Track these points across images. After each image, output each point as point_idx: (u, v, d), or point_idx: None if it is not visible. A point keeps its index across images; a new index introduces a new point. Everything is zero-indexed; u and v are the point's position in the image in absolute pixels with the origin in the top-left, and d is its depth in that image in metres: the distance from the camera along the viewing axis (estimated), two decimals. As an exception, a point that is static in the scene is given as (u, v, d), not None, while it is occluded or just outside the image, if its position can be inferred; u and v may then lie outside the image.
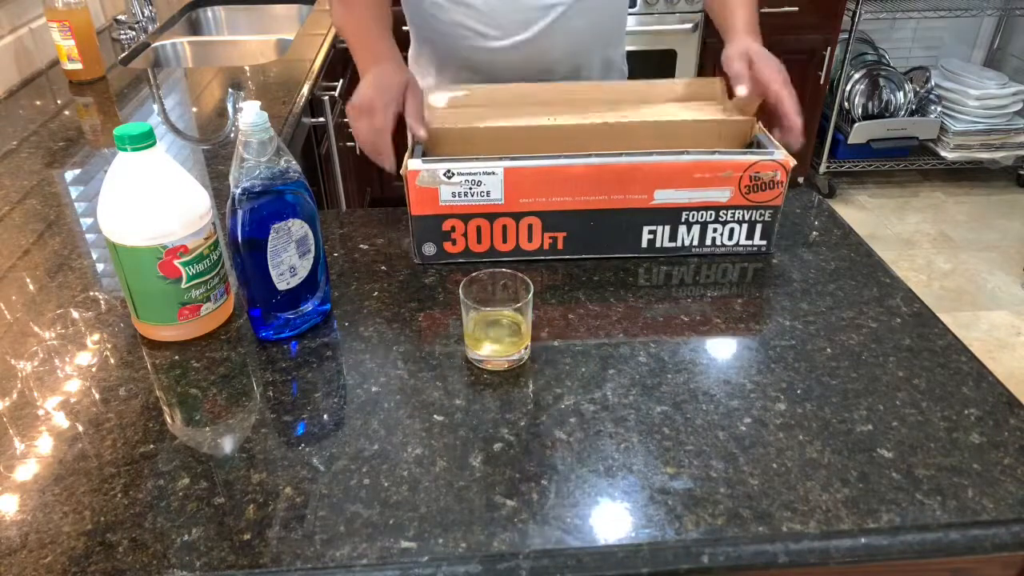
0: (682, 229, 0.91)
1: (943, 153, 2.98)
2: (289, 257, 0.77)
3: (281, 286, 0.77)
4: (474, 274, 0.77)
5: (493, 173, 0.85)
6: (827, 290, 0.88)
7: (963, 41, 3.26)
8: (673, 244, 0.92)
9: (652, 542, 0.58)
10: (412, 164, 0.85)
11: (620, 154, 0.86)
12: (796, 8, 2.57)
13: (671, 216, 0.90)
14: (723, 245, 0.93)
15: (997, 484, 0.63)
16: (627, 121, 0.96)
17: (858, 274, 0.91)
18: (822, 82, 2.74)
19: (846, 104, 2.99)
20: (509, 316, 0.77)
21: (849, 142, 2.97)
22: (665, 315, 0.84)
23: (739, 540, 0.58)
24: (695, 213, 0.90)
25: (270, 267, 0.76)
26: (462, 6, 1.10)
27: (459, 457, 0.66)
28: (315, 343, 0.80)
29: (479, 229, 0.89)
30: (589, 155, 0.86)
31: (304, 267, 0.78)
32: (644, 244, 0.92)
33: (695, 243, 0.92)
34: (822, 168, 3.03)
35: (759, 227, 0.92)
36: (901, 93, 2.98)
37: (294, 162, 0.75)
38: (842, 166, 3.06)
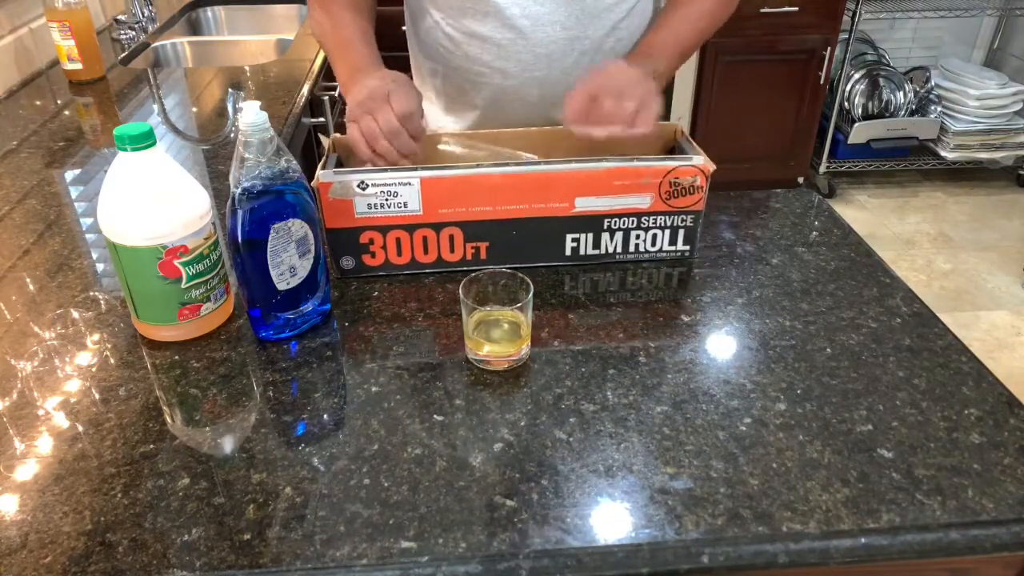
0: (605, 236, 0.90)
1: (943, 153, 2.98)
2: (289, 257, 0.77)
3: (281, 286, 0.77)
4: (474, 274, 0.77)
5: (409, 184, 0.84)
6: (827, 290, 0.88)
7: (963, 41, 3.26)
8: (597, 251, 0.92)
9: (652, 542, 0.58)
10: (323, 176, 0.83)
11: (538, 163, 0.86)
12: (796, 8, 2.57)
13: (593, 223, 0.89)
14: (646, 251, 0.92)
15: (997, 484, 0.63)
16: (549, 129, 0.97)
17: (858, 274, 0.91)
18: (822, 82, 2.74)
19: (846, 104, 2.99)
20: (509, 316, 0.77)
21: (849, 142, 2.97)
22: (665, 315, 0.84)
23: (739, 540, 0.58)
24: (617, 220, 0.89)
25: (270, 267, 0.76)
26: (477, 39, 1.03)
27: (459, 457, 0.66)
28: (315, 343, 0.80)
29: (398, 241, 0.88)
30: (507, 164, 0.85)
31: (304, 267, 0.78)
32: (568, 252, 0.91)
33: (618, 250, 0.92)
34: (822, 168, 3.03)
35: (681, 232, 0.91)
36: (901, 93, 2.98)
37: (294, 162, 0.75)
38: (842, 166, 3.06)
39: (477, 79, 1.06)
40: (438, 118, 1.15)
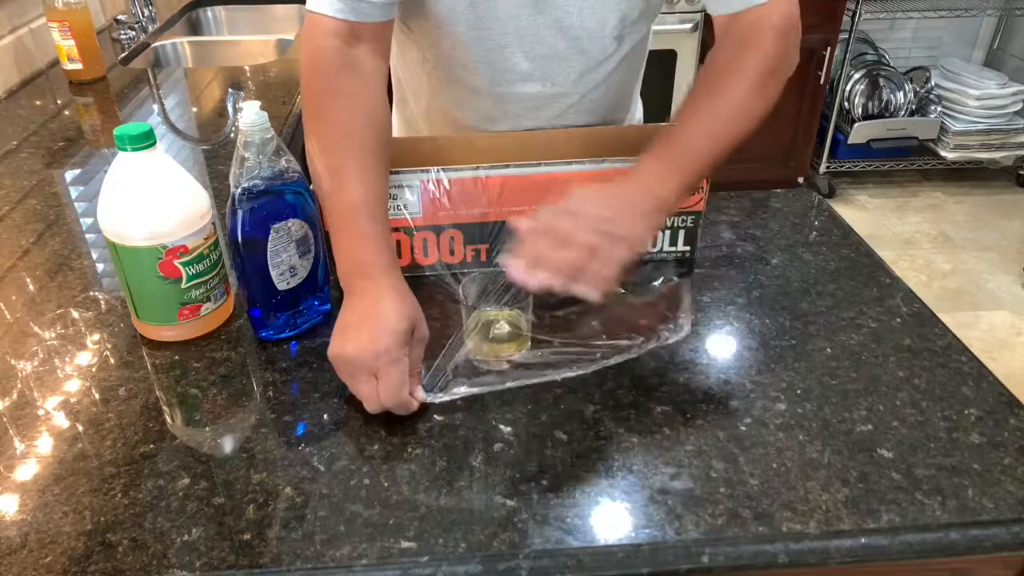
0: None
1: (943, 153, 2.98)
2: (289, 257, 0.76)
3: (281, 286, 0.77)
4: (473, 273, 0.77)
5: (410, 186, 0.84)
6: (827, 290, 0.88)
7: (963, 41, 3.26)
8: None
9: (652, 542, 0.58)
10: None
11: (539, 164, 0.85)
12: (796, 8, 2.57)
13: None
14: (647, 252, 0.92)
15: (997, 484, 0.63)
16: (547, 129, 0.95)
17: (858, 274, 0.91)
18: (822, 82, 2.74)
19: (846, 104, 2.99)
20: (509, 316, 0.77)
21: (849, 142, 2.97)
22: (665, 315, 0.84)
23: (739, 540, 0.58)
24: None
25: (270, 267, 0.76)
26: (464, 89, 0.97)
27: (459, 457, 0.66)
28: (315, 343, 0.80)
29: (399, 244, 0.87)
30: (507, 166, 0.85)
31: (304, 267, 0.78)
32: None
33: None
34: (822, 168, 3.03)
35: (682, 233, 0.91)
36: (901, 93, 2.98)
37: (294, 162, 0.75)
38: (842, 166, 3.06)
39: (459, 119, 1.02)
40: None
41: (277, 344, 0.79)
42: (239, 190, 0.72)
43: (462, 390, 0.72)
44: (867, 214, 2.99)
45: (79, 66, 1.60)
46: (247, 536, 0.59)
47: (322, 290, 0.82)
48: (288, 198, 0.75)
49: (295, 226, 0.76)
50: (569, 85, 0.97)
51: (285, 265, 0.77)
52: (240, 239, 0.74)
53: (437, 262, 0.90)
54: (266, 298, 0.78)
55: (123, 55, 1.82)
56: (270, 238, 0.74)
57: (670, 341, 0.76)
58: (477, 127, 1.02)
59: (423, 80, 1.02)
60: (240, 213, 0.73)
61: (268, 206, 0.74)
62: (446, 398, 0.71)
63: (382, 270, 0.73)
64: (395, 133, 1.15)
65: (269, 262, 0.75)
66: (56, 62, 1.68)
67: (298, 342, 0.80)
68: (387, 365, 0.68)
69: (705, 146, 0.77)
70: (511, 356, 0.75)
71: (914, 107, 3.01)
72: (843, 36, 2.79)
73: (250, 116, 0.71)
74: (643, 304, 0.84)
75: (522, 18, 0.89)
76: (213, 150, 1.30)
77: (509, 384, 0.73)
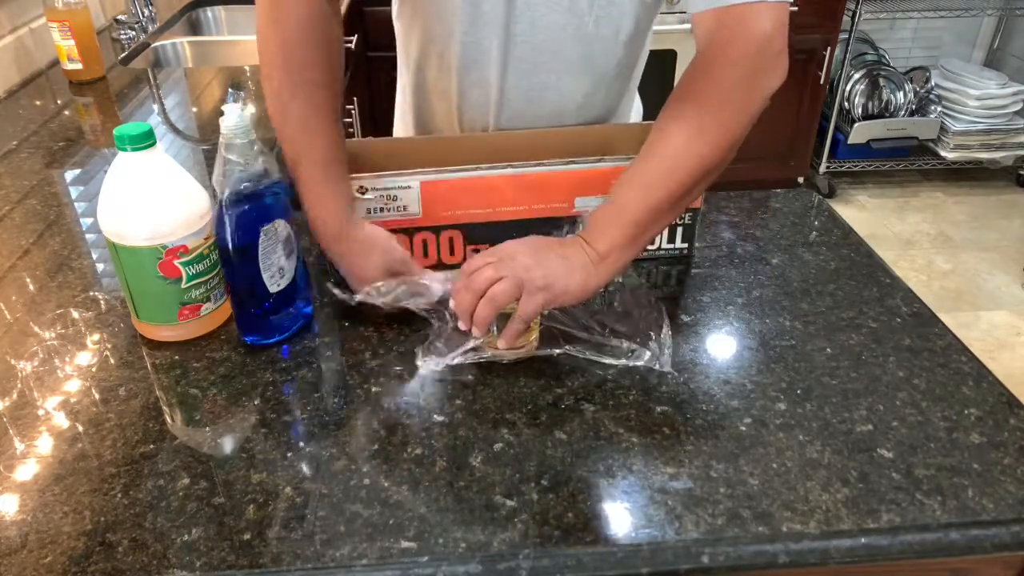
0: None
1: (943, 153, 2.98)
2: (278, 258, 0.76)
3: (272, 288, 0.77)
4: None
5: (409, 187, 0.83)
6: (827, 290, 0.88)
7: (963, 41, 3.26)
8: None
9: (652, 542, 0.58)
10: None
11: (538, 164, 0.85)
12: (796, 8, 2.57)
13: None
14: (646, 249, 0.92)
15: (997, 484, 0.63)
16: (548, 129, 0.95)
17: (858, 274, 0.91)
18: (822, 82, 2.74)
19: (846, 104, 2.99)
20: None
21: (849, 142, 2.97)
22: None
23: (739, 540, 0.58)
24: None
25: (262, 270, 0.75)
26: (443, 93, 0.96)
27: (459, 457, 0.66)
28: (315, 343, 0.80)
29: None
30: (507, 166, 0.84)
31: (290, 268, 0.78)
32: None
33: None
34: (822, 168, 3.03)
35: (680, 230, 0.91)
36: (901, 93, 2.98)
37: (273, 162, 0.74)
38: (842, 166, 3.06)
39: (454, 118, 1.01)
40: (408, 132, 1.09)
41: (276, 344, 0.79)
42: (226, 195, 0.71)
43: (459, 359, 0.76)
44: (867, 214, 2.99)
45: (79, 66, 1.60)
46: (247, 536, 0.59)
47: (306, 291, 0.81)
48: (271, 200, 0.74)
49: (280, 227, 0.75)
50: (575, 89, 0.97)
51: (275, 267, 0.76)
52: (231, 246, 0.73)
53: (437, 263, 0.90)
54: (259, 302, 0.77)
55: (123, 55, 1.82)
56: (260, 241, 0.74)
57: (656, 367, 0.75)
58: (475, 128, 1.01)
59: (427, 81, 1.01)
60: (230, 218, 0.72)
61: (255, 209, 0.73)
62: (451, 363, 0.76)
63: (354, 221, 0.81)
64: (403, 132, 1.16)
65: (260, 264, 0.75)
66: (56, 62, 1.68)
67: (298, 343, 0.80)
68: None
69: (654, 193, 0.74)
70: (520, 348, 0.75)
71: (914, 107, 3.00)
72: (843, 36, 2.79)
73: (232, 119, 0.69)
74: (626, 313, 0.84)
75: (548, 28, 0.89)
76: (213, 150, 1.30)
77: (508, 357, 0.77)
